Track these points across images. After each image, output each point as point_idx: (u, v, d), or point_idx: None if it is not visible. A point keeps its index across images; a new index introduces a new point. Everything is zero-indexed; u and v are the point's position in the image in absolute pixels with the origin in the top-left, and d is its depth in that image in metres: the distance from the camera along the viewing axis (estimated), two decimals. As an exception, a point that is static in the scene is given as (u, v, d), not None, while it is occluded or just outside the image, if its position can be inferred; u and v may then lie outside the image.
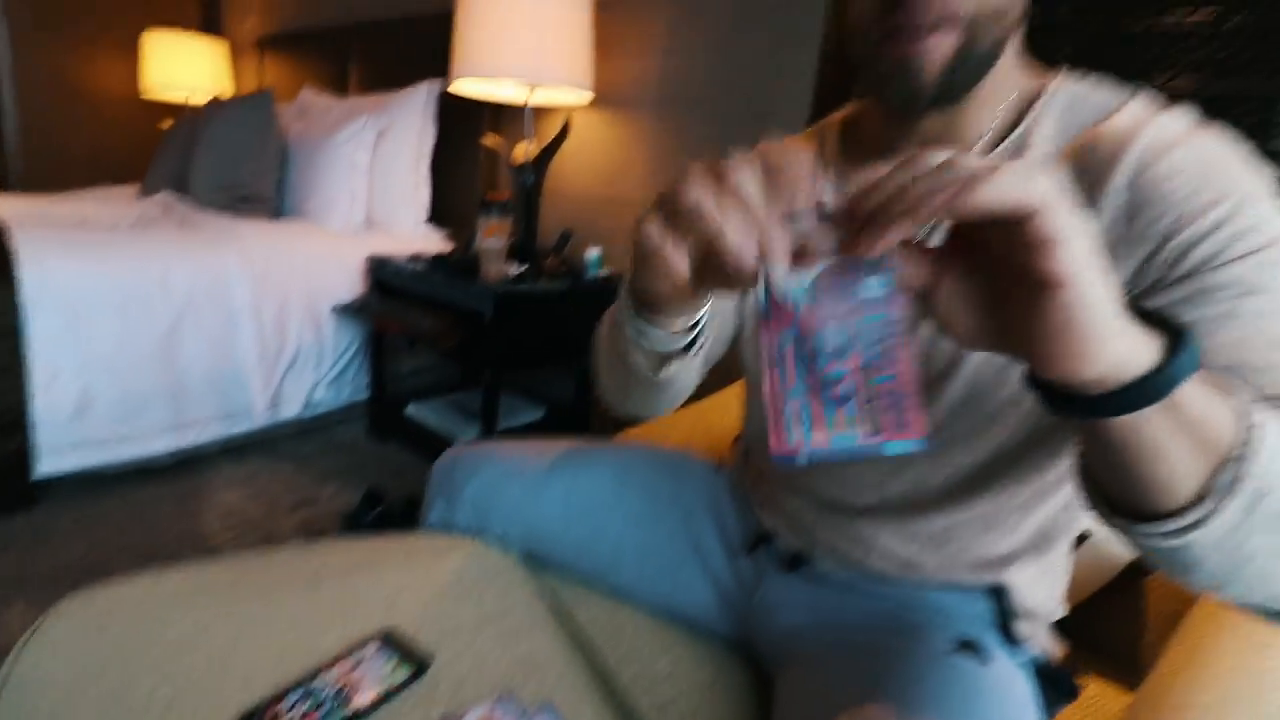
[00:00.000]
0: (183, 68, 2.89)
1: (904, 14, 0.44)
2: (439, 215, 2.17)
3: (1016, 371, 0.50)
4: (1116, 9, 1.02)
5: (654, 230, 0.35)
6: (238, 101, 2.16)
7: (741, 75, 1.53)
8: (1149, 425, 0.27)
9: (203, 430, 1.66)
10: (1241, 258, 0.38)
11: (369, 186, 2.06)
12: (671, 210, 0.33)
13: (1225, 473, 0.28)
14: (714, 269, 0.35)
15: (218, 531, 1.45)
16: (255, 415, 1.74)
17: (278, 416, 1.79)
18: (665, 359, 0.49)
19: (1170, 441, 0.28)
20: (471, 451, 0.74)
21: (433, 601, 0.64)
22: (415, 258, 1.77)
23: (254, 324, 1.68)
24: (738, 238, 0.30)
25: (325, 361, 1.84)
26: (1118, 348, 0.26)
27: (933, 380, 0.53)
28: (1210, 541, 0.29)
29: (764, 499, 0.69)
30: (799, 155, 0.34)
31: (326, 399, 1.88)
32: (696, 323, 0.47)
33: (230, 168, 2.02)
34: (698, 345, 0.49)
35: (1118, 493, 0.31)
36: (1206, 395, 0.29)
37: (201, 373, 1.62)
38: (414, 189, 2.08)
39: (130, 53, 3.00)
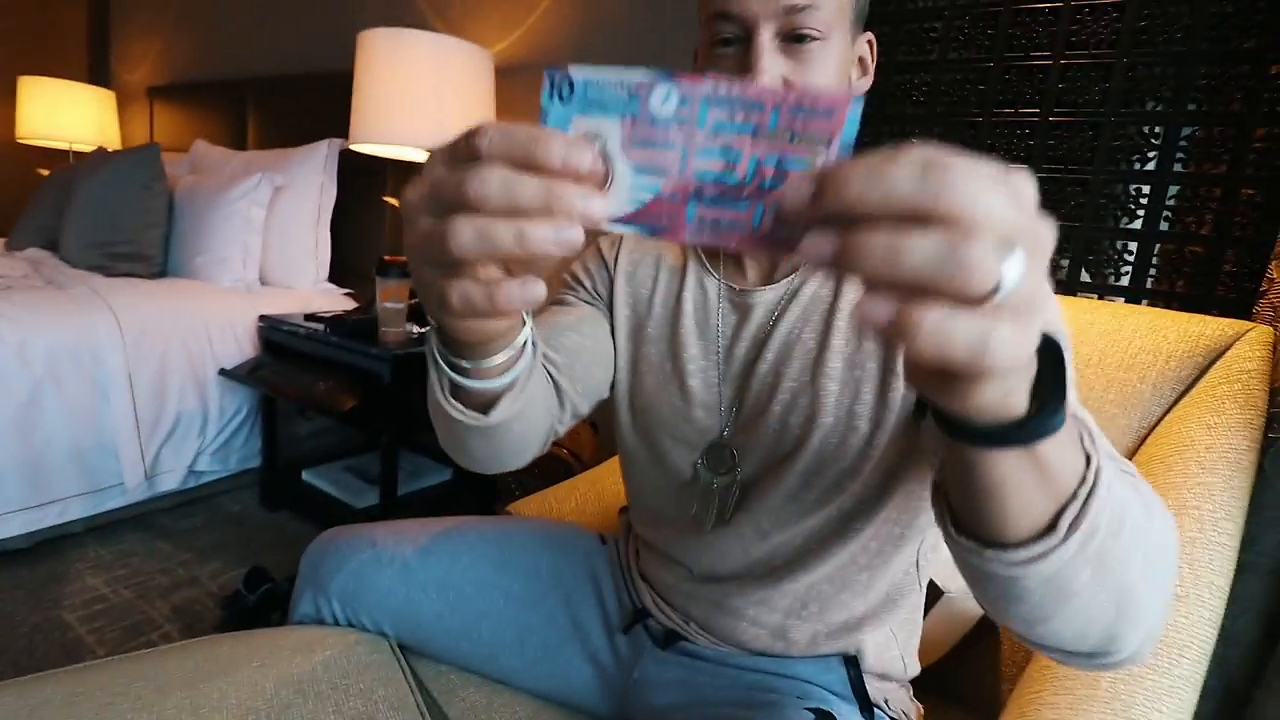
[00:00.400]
0: (64, 116, 2.73)
1: None
2: (342, 273, 2.12)
3: (854, 445, 0.54)
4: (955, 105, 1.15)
5: (444, 243, 0.26)
6: (122, 154, 2.06)
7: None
8: (1009, 470, 0.27)
9: (65, 509, 1.51)
10: None
11: (265, 244, 1.99)
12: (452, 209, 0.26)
13: (1068, 512, 0.29)
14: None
15: (80, 622, 1.31)
16: (128, 490, 1.60)
17: (155, 489, 1.65)
18: (493, 398, 0.43)
19: (1025, 484, 0.28)
20: (342, 538, 0.72)
21: (295, 702, 0.60)
22: (312, 317, 1.72)
23: (126, 392, 1.56)
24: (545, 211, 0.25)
25: (210, 428, 1.73)
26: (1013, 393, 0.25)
27: (785, 455, 0.57)
28: (1045, 575, 0.29)
29: (644, 572, 0.70)
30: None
31: (212, 468, 1.76)
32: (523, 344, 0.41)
33: (108, 224, 1.90)
34: (522, 372, 0.42)
35: (969, 518, 0.31)
36: (1064, 441, 0.29)
37: (64, 446, 1.49)
38: (314, 247, 2.02)
39: (8, 98, 2.81)
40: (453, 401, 0.43)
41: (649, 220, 0.27)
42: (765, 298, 0.58)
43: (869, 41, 0.56)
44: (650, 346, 0.63)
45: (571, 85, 0.26)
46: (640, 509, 0.69)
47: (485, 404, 0.43)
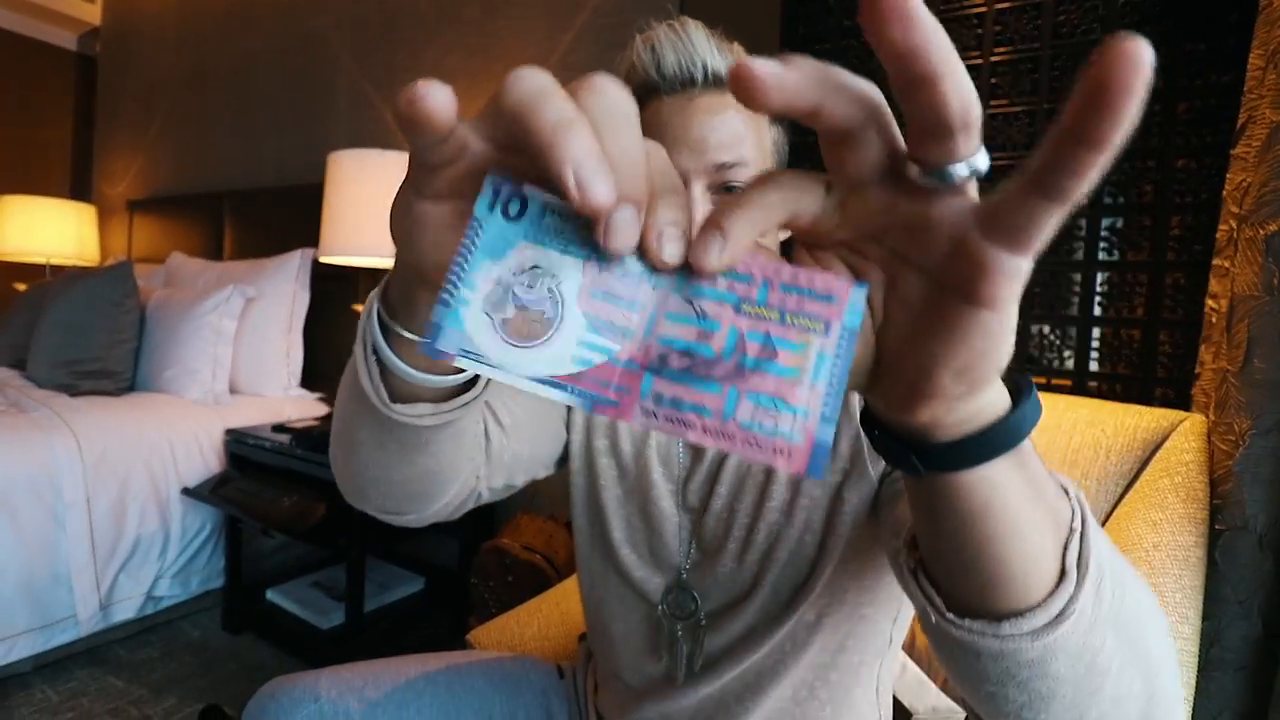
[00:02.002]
0: (43, 231, 2.78)
1: None
2: (314, 377, 2.12)
3: (804, 575, 0.54)
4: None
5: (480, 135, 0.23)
6: (95, 272, 2.08)
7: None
8: (1000, 485, 0.24)
9: (12, 647, 1.43)
10: None
11: (236, 353, 1.99)
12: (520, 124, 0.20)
13: (1073, 547, 0.26)
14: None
15: (15, 778, 1.22)
16: (81, 622, 1.52)
17: (109, 620, 1.58)
18: (416, 398, 0.36)
19: (1024, 506, 0.25)
20: (283, 692, 0.68)
21: None
22: (280, 428, 1.70)
23: (83, 518, 1.52)
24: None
25: (171, 550, 1.67)
26: (983, 397, 0.23)
27: (744, 594, 0.56)
28: (1073, 645, 0.26)
29: (601, 711, 0.67)
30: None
31: (172, 592, 1.69)
32: None
33: (77, 343, 1.90)
34: (464, 393, 0.37)
35: (968, 591, 0.27)
36: (1039, 462, 0.27)
37: (14, 580, 1.42)
38: (285, 354, 2.03)
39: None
40: (370, 363, 0.35)
41: (593, 388, 0.22)
42: None
43: None
44: (607, 459, 0.63)
45: (523, 204, 0.22)
46: (600, 647, 0.67)
47: (404, 398, 0.36)
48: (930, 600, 0.29)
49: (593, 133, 0.19)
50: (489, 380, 0.37)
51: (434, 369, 0.34)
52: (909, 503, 0.29)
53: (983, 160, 0.19)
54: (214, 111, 2.67)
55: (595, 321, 0.22)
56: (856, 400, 0.54)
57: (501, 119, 0.21)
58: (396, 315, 0.32)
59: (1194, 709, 0.72)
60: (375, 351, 0.34)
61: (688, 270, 0.21)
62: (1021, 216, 0.18)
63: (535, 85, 0.20)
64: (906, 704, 0.69)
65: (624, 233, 0.19)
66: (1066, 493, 0.28)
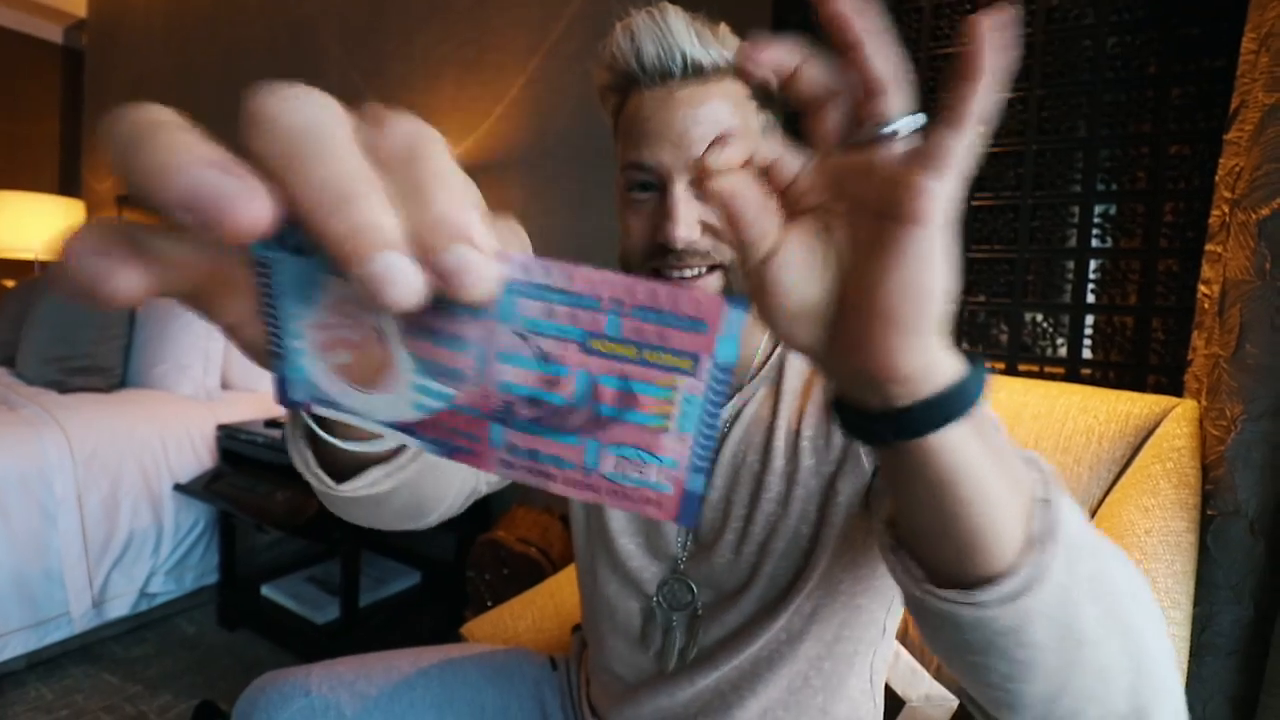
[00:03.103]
0: (31, 226, 2.76)
1: (675, 259, 0.50)
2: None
3: (800, 564, 0.54)
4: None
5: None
6: (83, 268, 2.07)
7: (595, 241, 1.65)
8: (964, 450, 0.26)
9: (4, 645, 1.43)
10: None
11: (227, 349, 1.98)
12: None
13: (1038, 518, 0.28)
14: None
15: (10, 776, 1.21)
16: (74, 619, 1.52)
17: (103, 617, 1.57)
18: (359, 465, 0.35)
19: (987, 474, 0.26)
20: (274, 687, 0.68)
21: None
22: (272, 423, 1.69)
23: (75, 515, 1.51)
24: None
25: (165, 546, 1.66)
26: (933, 348, 0.24)
27: (741, 585, 0.56)
28: (1049, 609, 0.27)
29: (593, 703, 0.67)
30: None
31: (165, 588, 1.68)
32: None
33: (66, 338, 1.89)
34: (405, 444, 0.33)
35: (945, 560, 0.29)
36: (1001, 438, 0.28)
37: (6, 577, 1.42)
38: (277, 348, 2.02)
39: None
40: (301, 448, 0.33)
41: (442, 435, 0.20)
42: None
43: None
44: None
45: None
46: (595, 638, 0.67)
47: (349, 467, 0.35)
48: (910, 572, 0.31)
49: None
50: None
51: (368, 437, 0.32)
52: (883, 478, 0.31)
53: (911, 119, 0.23)
54: (203, 104, 2.64)
55: (424, 364, 0.19)
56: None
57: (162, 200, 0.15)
58: None
59: (1186, 693, 0.72)
60: (309, 437, 0.33)
61: (519, 294, 0.18)
62: (933, 144, 0.22)
63: (164, 144, 0.15)
64: (900, 692, 0.69)
65: (392, 289, 0.15)
66: (1035, 467, 0.29)
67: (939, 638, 0.31)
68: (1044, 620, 0.27)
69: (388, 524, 0.45)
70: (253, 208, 0.14)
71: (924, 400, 0.25)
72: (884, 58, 0.22)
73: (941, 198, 0.22)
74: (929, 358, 0.24)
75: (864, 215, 0.24)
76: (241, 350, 0.21)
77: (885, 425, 0.26)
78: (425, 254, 0.16)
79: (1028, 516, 0.28)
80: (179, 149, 0.15)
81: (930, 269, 0.23)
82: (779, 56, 0.24)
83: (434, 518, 0.47)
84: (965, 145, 0.22)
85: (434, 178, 0.16)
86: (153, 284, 0.17)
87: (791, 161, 0.25)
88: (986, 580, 0.27)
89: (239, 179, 0.15)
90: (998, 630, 0.28)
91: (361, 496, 0.36)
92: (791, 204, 0.25)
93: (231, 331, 0.20)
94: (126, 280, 0.16)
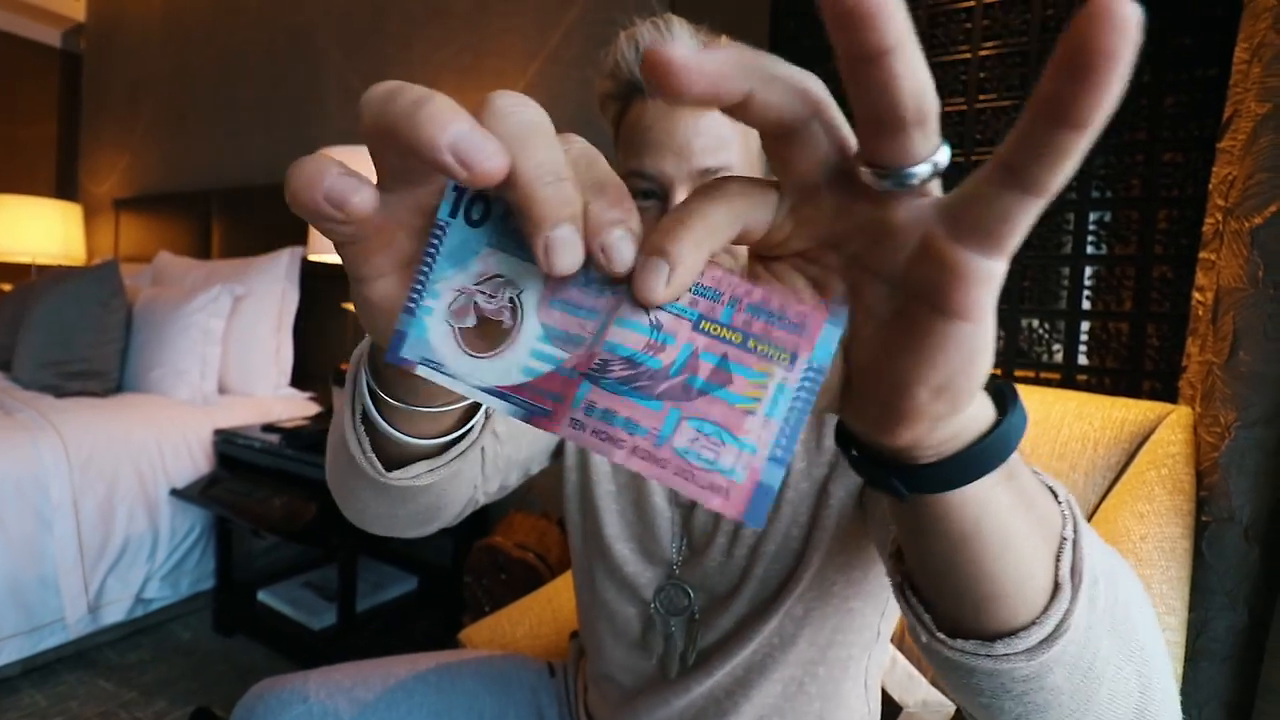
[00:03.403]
0: (28, 230, 2.75)
1: None
2: (304, 377, 2.11)
3: (791, 568, 0.54)
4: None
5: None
6: (80, 272, 2.06)
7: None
8: (990, 503, 0.23)
9: (0, 651, 1.42)
10: None
11: (225, 352, 1.98)
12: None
13: (1064, 558, 0.25)
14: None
15: (3, 784, 1.21)
16: (69, 625, 1.51)
17: (98, 622, 1.56)
18: (404, 458, 0.35)
19: (1013, 523, 0.24)
20: (272, 694, 0.68)
21: None
22: (270, 428, 1.69)
23: (71, 520, 1.50)
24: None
25: (161, 551, 1.66)
26: (967, 413, 0.21)
27: (733, 588, 0.57)
28: (1070, 656, 0.25)
29: (590, 710, 0.67)
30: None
31: (162, 594, 1.67)
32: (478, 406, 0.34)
33: (63, 342, 1.88)
34: (461, 442, 0.35)
35: (961, 610, 0.26)
36: (1027, 471, 0.25)
37: (1, 583, 1.41)
38: (275, 353, 2.02)
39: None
40: (360, 433, 0.34)
41: (532, 397, 0.20)
42: None
43: None
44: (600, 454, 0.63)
45: (488, 207, 0.20)
46: (593, 644, 0.67)
47: (394, 459, 0.35)
48: (920, 619, 0.28)
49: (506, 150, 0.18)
50: (485, 423, 0.36)
51: (428, 432, 0.33)
52: (894, 523, 0.28)
53: (943, 156, 0.17)
54: (201, 108, 2.64)
55: (551, 331, 0.20)
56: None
57: (409, 163, 0.20)
58: (387, 385, 0.31)
59: (1182, 699, 0.72)
60: (364, 420, 0.34)
61: None
62: (994, 213, 0.16)
63: (438, 111, 0.18)
64: (896, 698, 0.69)
65: (564, 253, 0.18)
66: (1055, 497, 0.27)
67: (950, 679, 0.29)
68: (1065, 666, 0.25)
69: (398, 529, 0.45)
70: (497, 160, 0.18)
71: (952, 456, 0.22)
72: (910, 80, 0.15)
73: (998, 283, 0.17)
74: (962, 424, 0.21)
75: (882, 288, 0.19)
76: (362, 303, 0.24)
77: (903, 479, 0.22)
78: (594, 233, 0.19)
79: (1053, 560, 0.25)
80: (452, 109, 0.18)
81: (974, 367, 0.18)
82: (716, 71, 0.16)
83: (435, 526, 0.47)
84: (1034, 214, 0.16)
85: (607, 178, 0.20)
86: (371, 213, 0.20)
87: (760, 216, 0.20)
88: (1008, 632, 0.25)
89: (493, 140, 0.18)
90: (1016, 679, 0.26)
91: (404, 487, 0.36)
92: (768, 252, 0.21)
93: (368, 282, 0.23)
94: (363, 199, 0.19)
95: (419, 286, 0.21)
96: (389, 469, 0.35)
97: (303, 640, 1.56)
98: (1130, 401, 0.79)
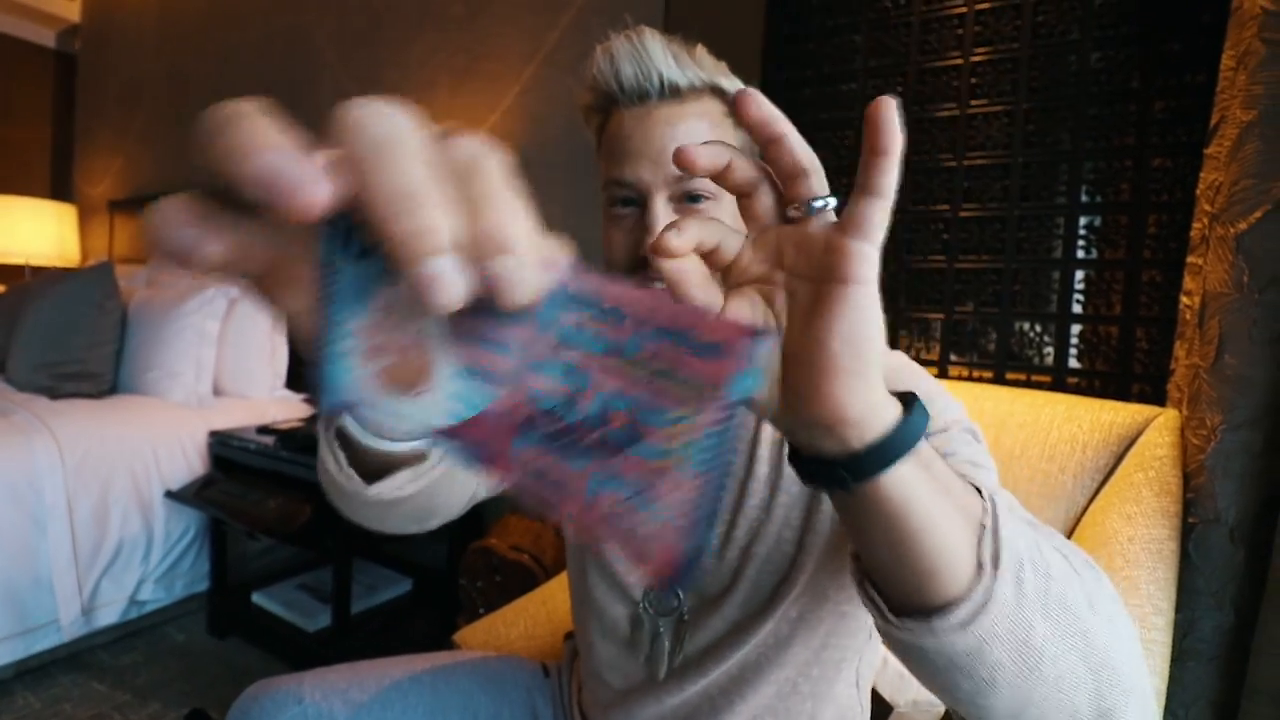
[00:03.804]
0: (22, 231, 2.74)
1: (656, 271, 0.51)
2: (299, 380, 2.10)
3: (784, 570, 0.55)
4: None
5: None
6: (75, 274, 2.06)
7: (589, 250, 1.66)
8: (913, 485, 0.28)
9: (-8, 653, 1.42)
10: (931, 435, 0.46)
11: (220, 354, 1.98)
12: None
13: (986, 543, 0.29)
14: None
15: (-4, 787, 1.20)
16: (63, 627, 1.51)
17: (92, 625, 1.56)
18: (387, 468, 0.36)
19: (935, 505, 0.28)
20: (267, 695, 0.68)
21: None
22: (265, 430, 1.69)
23: (65, 522, 1.50)
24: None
25: (155, 553, 1.65)
26: (876, 390, 0.27)
27: (725, 588, 0.57)
28: (1002, 630, 0.29)
29: (585, 711, 0.68)
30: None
31: (156, 596, 1.67)
32: None
33: (58, 344, 1.88)
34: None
35: (906, 592, 0.30)
36: (946, 464, 0.31)
37: (-6, 585, 1.41)
38: (270, 356, 2.02)
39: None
40: (335, 447, 0.35)
41: (469, 443, 0.19)
42: None
43: None
44: None
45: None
46: (585, 644, 0.68)
47: (376, 470, 0.36)
48: (875, 604, 0.32)
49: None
50: None
51: (406, 436, 0.33)
52: (841, 521, 0.33)
53: (834, 200, 0.28)
54: (197, 110, 2.61)
55: (464, 368, 0.18)
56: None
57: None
58: None
59: (1168, 698, 0.73)
60: (339, 436, 0.35)
61: (559, 304, 0.18)
62: (859, 213, 0.26)
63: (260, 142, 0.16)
64: (887, 697, 0.70)
65: (439, 289, 0.16)
66: (980, 494, 0.31)
67: (909, 662, 0.33)
68: (999, 641, 0.29)
69: (395, 527, 0.46)
70: (315, 190, 0.16)
71: (873, 441, 0.27)
72: (800, 149, 0.28)
73: (870, 258, 0.26)
74: (873, 399, 0.27)
75: (803, 280, 0.28)
76: (298, 343, 0.22)
77: (842, 469, 0.28)
78: (475, 260, 0.17)
79: (975, 543, 0.29)
80: (259, 134, 0.16)
81: (867, 320, 0.27)
82: (712, 156, 0.28)
83: (436, 522, 0.48)
84: (883, 212, 0.26)
85: (489, 192, 0.17)
86: (229, 258, 0.18)
87: (733, 242, 0.30)
88: (942, 607, 0.29)
89: (308, 165, 0.16)
90: (958, 653, 0.29)
91: (387, 499, 0.36)
92: (735, 278, 0.30)
93: (292, 321, 0.21)
94: (212, 249, 0.18)
95: (322, 333, 0.18)
96: (371, 481, 0.36)
97: (297, 642, 1.56)
98: (1118, 404, 0.79)
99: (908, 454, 0.28)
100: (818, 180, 0.28)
